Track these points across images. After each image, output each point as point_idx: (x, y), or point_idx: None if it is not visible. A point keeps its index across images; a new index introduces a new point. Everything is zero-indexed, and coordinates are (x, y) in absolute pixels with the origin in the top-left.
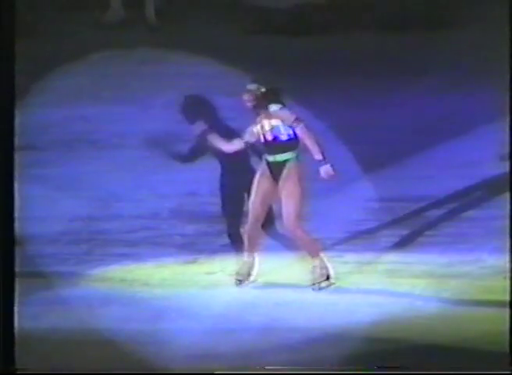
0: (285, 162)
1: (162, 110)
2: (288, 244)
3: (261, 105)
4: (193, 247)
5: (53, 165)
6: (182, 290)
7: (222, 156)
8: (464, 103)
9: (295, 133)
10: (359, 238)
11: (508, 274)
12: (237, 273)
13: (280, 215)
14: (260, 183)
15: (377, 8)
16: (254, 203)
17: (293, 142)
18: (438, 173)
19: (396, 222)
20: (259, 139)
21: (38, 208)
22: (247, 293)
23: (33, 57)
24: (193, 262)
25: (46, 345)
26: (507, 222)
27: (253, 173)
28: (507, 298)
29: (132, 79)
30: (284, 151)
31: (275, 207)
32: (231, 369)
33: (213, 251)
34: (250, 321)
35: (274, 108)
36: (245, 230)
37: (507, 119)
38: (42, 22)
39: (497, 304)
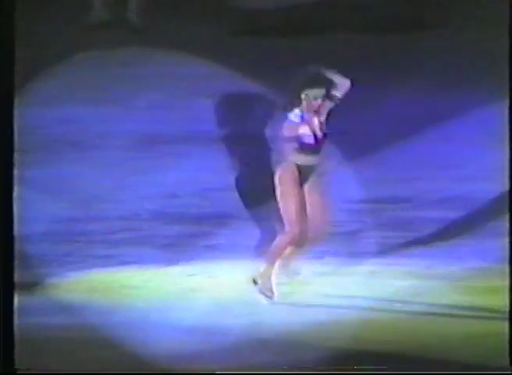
0: (313, 166)
1: (146, 111)
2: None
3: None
4: (175, 249)
5: (35, 166)
6: (163, 291)
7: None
8: (462, 103)
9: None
10: (340, 240)
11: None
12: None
13: None
14: (294, 189)
15: (371, 8)
16: (296, 213)
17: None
18: (424, 174)
19: (378, 223)
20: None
21: (20, 210)
22: (227, 295)
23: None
24: (175, 263)
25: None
26: (493, 223)
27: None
28: (506, 297)
29: (115, 80)
30: (314, 154)
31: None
32: (214, 370)
33: (195, 253)
34: (232, 322)
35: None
36: (289, 243)
37: (506, 119)
38: (23, 23)
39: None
